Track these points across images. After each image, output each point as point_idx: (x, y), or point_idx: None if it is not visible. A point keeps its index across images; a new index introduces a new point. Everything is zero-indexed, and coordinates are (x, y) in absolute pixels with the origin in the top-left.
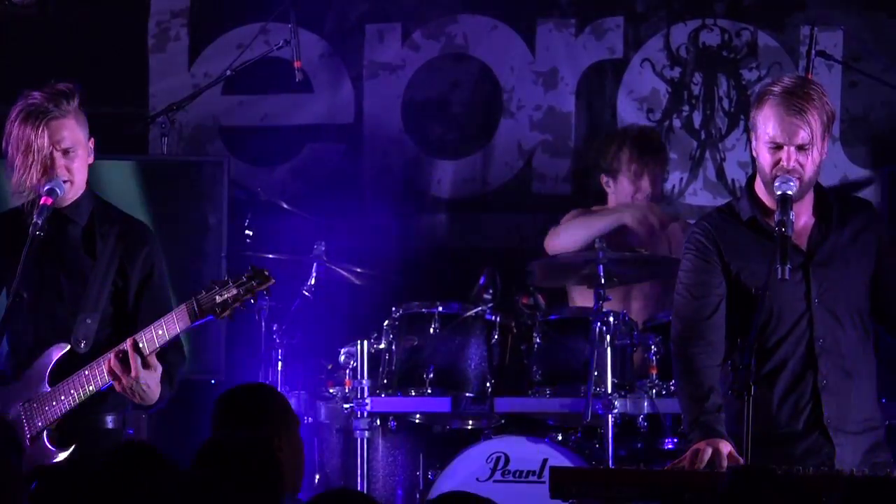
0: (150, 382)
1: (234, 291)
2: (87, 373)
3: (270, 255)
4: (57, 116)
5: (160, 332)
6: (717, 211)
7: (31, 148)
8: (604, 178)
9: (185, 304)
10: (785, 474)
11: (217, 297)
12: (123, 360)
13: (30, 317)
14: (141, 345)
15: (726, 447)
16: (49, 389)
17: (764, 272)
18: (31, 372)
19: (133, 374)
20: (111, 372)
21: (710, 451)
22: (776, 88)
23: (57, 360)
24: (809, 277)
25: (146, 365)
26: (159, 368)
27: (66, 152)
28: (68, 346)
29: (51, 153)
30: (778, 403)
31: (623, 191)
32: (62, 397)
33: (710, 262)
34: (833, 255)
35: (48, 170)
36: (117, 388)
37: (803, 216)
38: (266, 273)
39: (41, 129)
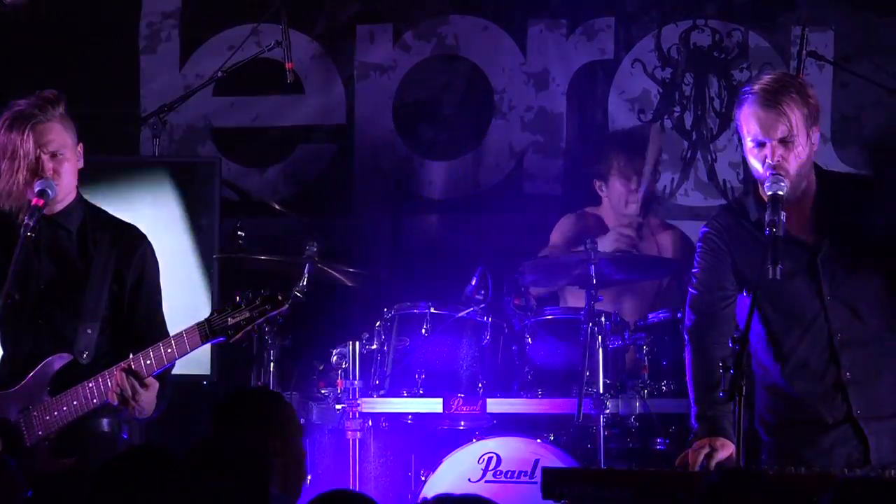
0: (147, 399)
1: (247, 314)
2: (91, 386)
3: (262, 256)
4: (43, 121)
5: (169, 350)
6: (727, 209)
7: (17, 153)
8: (597, 183)
9: (196, 324)
10: (776, 475)
11: (229, 319)
12: (127, 379)
13: (28, 325)
14: (148, 362)
15: (726, 450)
16: (50, 399)
17: (764, 273)
18: (32, 380)
19: (130, 394)
20: (116, 392)
21: (704, 451)
22: (754, 87)
23: (58, 369)
24: (819, 273)
25: (143, 384)
26: (156, 385)
27: (53, 155)
28: (71, 357)
29: (37, 156)
30: (803, 401)
31: (615, 192)
32: (64, 407)
33: (722, 259)
34: (844, 245)
35: (35, 173)
36: (113, 401)
37: (807, 210)
38: (279, 297)
39: (27, 133)
